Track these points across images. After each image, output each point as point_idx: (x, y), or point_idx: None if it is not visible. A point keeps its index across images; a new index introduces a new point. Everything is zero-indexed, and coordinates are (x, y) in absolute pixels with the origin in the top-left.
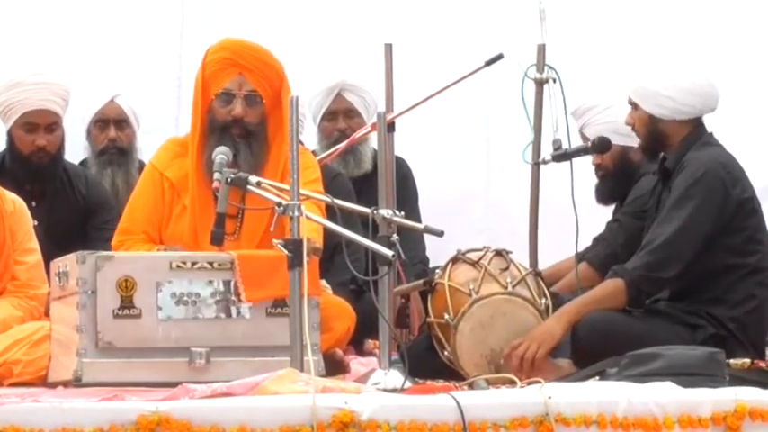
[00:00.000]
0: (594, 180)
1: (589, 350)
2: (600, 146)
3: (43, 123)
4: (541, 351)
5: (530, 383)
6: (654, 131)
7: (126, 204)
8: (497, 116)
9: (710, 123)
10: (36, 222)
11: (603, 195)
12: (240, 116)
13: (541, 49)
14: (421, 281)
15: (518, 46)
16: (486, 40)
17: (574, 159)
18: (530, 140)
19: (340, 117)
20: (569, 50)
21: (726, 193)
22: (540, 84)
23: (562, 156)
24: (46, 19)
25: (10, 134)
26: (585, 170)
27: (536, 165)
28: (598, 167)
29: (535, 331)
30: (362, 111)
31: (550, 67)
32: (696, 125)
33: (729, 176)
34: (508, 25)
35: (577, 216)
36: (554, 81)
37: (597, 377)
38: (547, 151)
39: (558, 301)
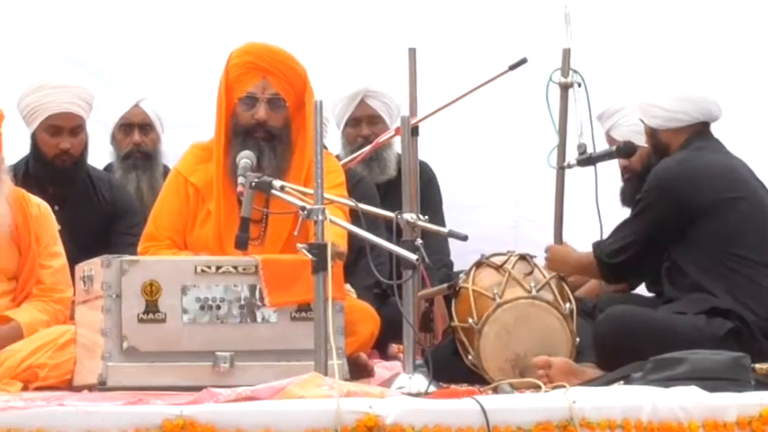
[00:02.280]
0: (619, 183)
1: (611, 345)
2: (625, 150)
3: (67, 126)
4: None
5: (554, 388)
6: (656, 143)
7: (150, 209)
8: (522, 120)
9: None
10: (60, 226)
11: (629, 198)
12: (263, 120)
13: (566, 54)
14: (445, 285)
15: (543, 50)
16: (511, 43)
17: (599, 165)
18: (554, 144)
19: (363, 123)
20: (594, 55)
21: (673, 197)
22: (565, 88)
23: (587, 160)
24: (70, 24)
25: (34, 137)
26: (610, 172)
27: (561, 169)
28: (625, 170)
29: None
30: (386, 117)
31: (575, 71)
32: (694, 132)
33: (682, 181)
34: (533, 29)
35: (601, 220)
36: (579, 85)
37: (622, 382)
38: (572, 155)
39: (582, 306)
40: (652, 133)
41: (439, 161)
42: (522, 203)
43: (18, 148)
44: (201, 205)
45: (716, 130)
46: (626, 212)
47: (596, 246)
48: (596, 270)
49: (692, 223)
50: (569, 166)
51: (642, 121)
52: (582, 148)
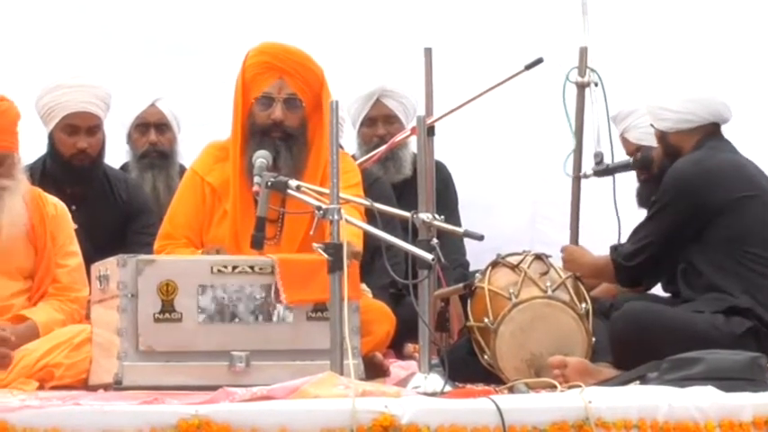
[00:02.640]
0: (635, 184)
1: (627, 342)
2: (642, 162)
3: (84, 126)
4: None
5: (570, 388)
6: (666, 146)
7: (166, 208)
8: (538, 119)
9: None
10: (76, 226)
11: (645, 199)
12: (280, 120)
13: (583, 52)
14: (461, 285)
15: (560, 49)
16: (528, 42)
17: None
18: (571, 150)
19: (379, 123)
20: (612, 54)
21: (691, 198)
22: (582, 87)
23: (604, 171)
24: (87, 23)
25: (51, 137)
26: (627, 176)
27: (577, 178)
28: (641, 172)
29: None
30: (402, 116)
31: (593, 70)
32: (705, 133)
33: (698, 181)
34: (550, 28)
35: (620, 225)
36: (596, 85)
37: (638, 381)
38: (588, 159)
39: (598, 306)
40: (662, 136)
41: (455, 160)
42: (539, 201)
43: (35, 147)
44: (218, 205)
45: (726, 131)
46: (642, 214)
47: (613, 249)
48: (611, 273)
49: (708, 223)
50: (585, 176)
51: (652, 125)
52: (599, 158)
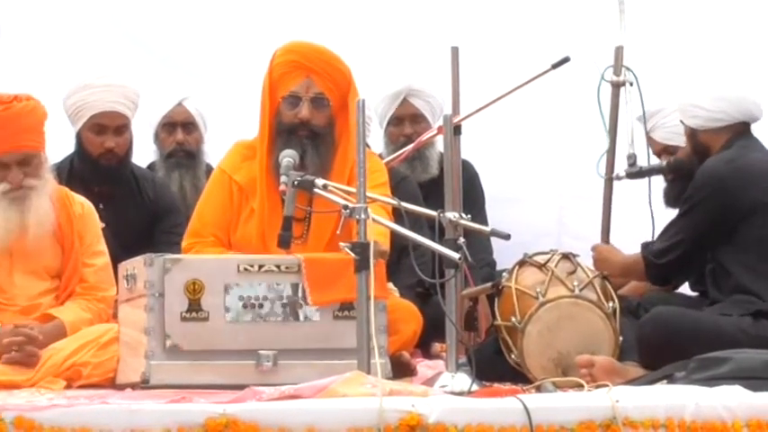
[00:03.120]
0: (662, 183)
1: (655, 346)
2: (675, 166)
3: (112, 125)
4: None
5: (597, 387)
6: (695, 144)
7: (193, 208)
8: (566, 113)
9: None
10: (104, 225)
11: (672, 198)
12: (307, 119)
13: (619, 51)
14: (488, 284)
15: (595, 47)
16: (561, 41)
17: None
18: (604, 150)
19: (406, 122)
20: (647, 53)
21: (723, 197)
22: (617, 86)
23: (637, 173)
24: (115, 23)
25: (79, 136)
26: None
27: (609, 180)
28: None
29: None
30: (429, 115)
31: (628, 69)
32: (735, 132)
33: (731, 180)
34: (585, 26)
35: (654, 224)
36: (631, 84)
37: (665, 381)
38: (621, 160)
39: (625, 305)
40: (692, 134)
41: (482, 155)
42: (566, 196)
43: (63, 146)
44: (245, 203)
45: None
46: (670, 213)
47: (644, 246)
48: (641, 271)
49: (738, 222)
50: (618, 178)
51: (682, 122)
52: (632, 159)
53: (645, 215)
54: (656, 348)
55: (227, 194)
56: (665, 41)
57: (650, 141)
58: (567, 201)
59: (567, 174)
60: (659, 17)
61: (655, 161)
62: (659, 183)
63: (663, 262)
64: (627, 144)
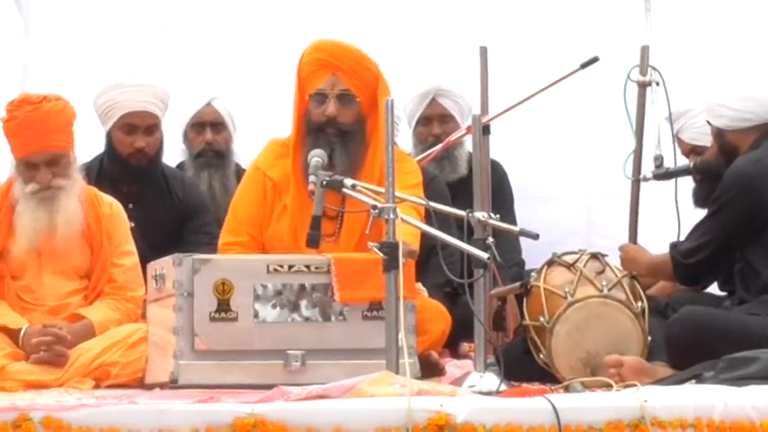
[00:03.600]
0: (691, 183)
1: (684, 346)
2: (702, 168)
3: (142, 125)
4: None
5: (626, 387)
6: (723, 144)
7: (222, 208)
8: (596, 118)
9: None
10: (133, 224)
11: (701, 199)
12: (333, 115)
13: (645, 51)
14: (517, 284)
15: (622, 47)
16: (587, 41)
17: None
18: (630, 151)
19: (435, 122)
20: (673, 52)
21: (751, 196)
22: (643, 86)
23: (664, 174)
24: (145, 23)
25: (109, 135)
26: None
27: (636, 181)
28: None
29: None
30: (457, 115)
31: (654, 69)
32: (763, 132)
33: (759, 180)
34: (611, 26)
35: (680, 224)
36: (657, 84)
37: (693, 381)
38: (648, 165)
39: (654, 305)
40: (719, 134)
41: (510, 153)
42: (595, 194)
43: (93, 146)
44: (278, 200)
45: None
46: (699, 213)
47: (673, 246)
48: (669, 271)
49: (767, 222)
50: (645, 179)
51: (709, 123)
52: (659, 161)
53: (673, 215)
54: (685, 348)
55: (261, 191)
56: (692, 41)
57: (678, 142)
58: (595, 200)
59: (595, 173)
60: (685, 17)
61: (682, 162)
62: (686, 183)
63: (691, 262)
64: (654, 144)
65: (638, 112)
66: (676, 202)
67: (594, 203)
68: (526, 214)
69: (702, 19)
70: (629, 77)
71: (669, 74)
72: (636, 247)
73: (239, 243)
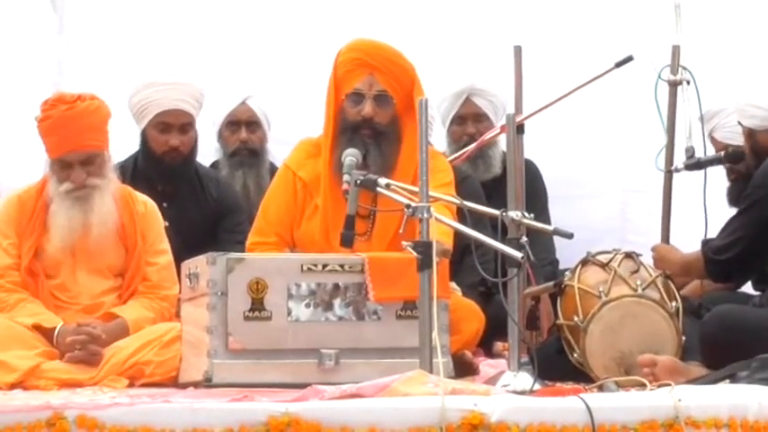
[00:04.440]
0: (726, 182)
1: (718, 345)
2: (733, 156)
3: (177, 123)
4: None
5: (660, 386)
6: (754, 144)
7: (256, 207)
8: (629, 117)
9: None
10: (167, 223)
11: (735, 198)
12: (370, 116)
13: (676, 50)
14: (551, 283)
15: (652, 47)
16: (619, 40)
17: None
18: (662, 145)
19: (469, 121)
20: (705, 52)
21: None
22: (674, 85)
23: (695, 165)
24: (179, 22)
25: (144, 134)
26: (718, 171)
27: (668, 173)
28: (731, 171)
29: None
30: (491, 115)
31: (685, 69)
32: None
33: None
34: (642, 26)
35: (707, 221)
36: (688, 83)
37: (728, 380)
38: (680, 157)
39: (687, 305)
40: (750, 134)
41: (544, 149)
42: (630, 190)
43: (127, 145)
44: (309, 200)
45: None
46: (729, 210)
47: (704, 243)
48: (701, 268)
49: None
50: (677, 170)
51: (740, 123)
52: (690, 152)
53: (707, 210)
54: (719, 347)
55: (292, 191)
56: (722, 41)
57: (712, 141)
58: (630, 196)
59: (629, 168)
60: (716, 18)
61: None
62: (716, 181)
63: (722, 258)
64: (685, 138)
65: (670, 111)
66: (704, 200)
67: (629, 200)
68: (560, 212)
69: (733, 20)
70: (660, 77)
71: (700, 74)
72: (668, 247)
73: (266, 243)
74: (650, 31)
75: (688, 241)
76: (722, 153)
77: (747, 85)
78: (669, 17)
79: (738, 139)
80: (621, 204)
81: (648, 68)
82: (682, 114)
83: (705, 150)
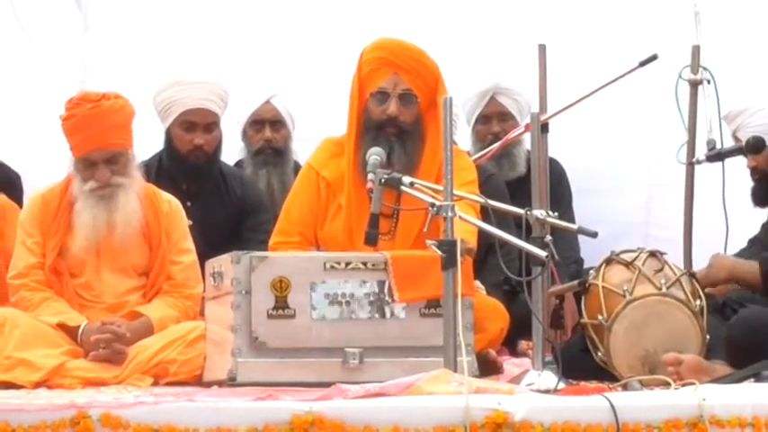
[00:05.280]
0: (750, 182)
1: (745, 347)
2: (754, 145)
3: (202, 122)
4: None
5: (684, 385)
6: None
7: (281, 205)
8: (651, 117)
9: None
10: (191, 222)
11: (759, 198)
12: (395, 115)
13: (696, 51)
14: (575, 282)
15: (672, 47)
16: (641, 40)
17: (730, 161)
18: (684, 141)
19: (494, 120)
20: (724, 52)
21: None
22: (695, 85)
23: (716, 156)
24: (205, 21)
25: (168, 133)
26: (742, 171)
27: (690, 165)
28: (754, 170)
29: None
30: (516, 114)
31: (705, 69)
32: None
33: None
34: (662, 26)
35: (727, 218)
36: (708, 82)
37: (752, 379)
38: (701, 148)
39: (711, 303)
40: None
41: (568, 144)
42: (653, 200)
43: (152, 143)
44: (333, 199)
45: None
46: (756, 212)
47: (765, 260)
48: (754, 282)
49: None
50: (698, 162)
51: None
52: (711, 144)
53: (730, 206)
54: (746, 350)
55: (315, 191)
56: (742, 42)
57: (735, 141)
58: (654, 190)
59: (653, 163)
60: (735, 18)
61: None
62: (739, 180)
63: None
64: (706, 132)
65: (691, 110)
66: (723, 199)
67: (653, 193)
68: (584, 205)
69: (753, 20)
70: (680, 76)
71: (720, 74)
72: (723, 255)
73: (289, 243)
74: (671, 31)
75: (710, 235)
76: (743, 143)
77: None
78: (689, 18)
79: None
80: (646, 198)
81: (669, 67)
82: (702, 113)
83: (722, 144)
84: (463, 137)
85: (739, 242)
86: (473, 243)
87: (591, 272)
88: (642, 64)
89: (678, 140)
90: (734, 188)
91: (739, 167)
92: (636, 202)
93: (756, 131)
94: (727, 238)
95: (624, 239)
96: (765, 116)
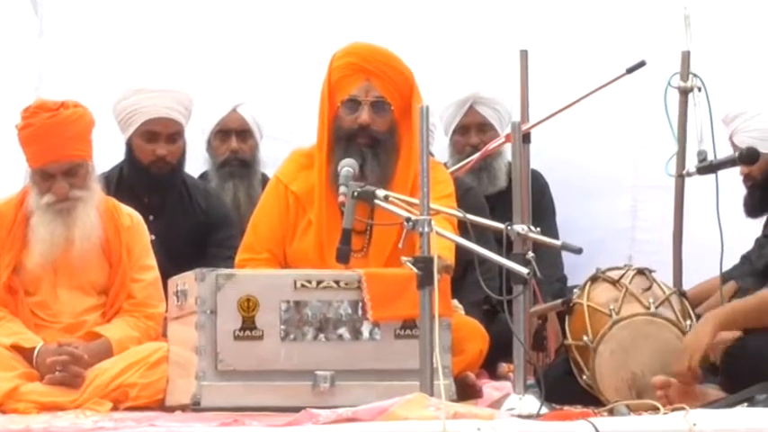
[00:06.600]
0: (743, 191)
1: (739, 373)
2: (747, 157)
3: (164, 132)
4: (695, 358)
5: (674, 410)
6: None
7: (247, 219)
8: (639, 126)
9: None
10: (153, 237)
11: (752, 208)
12: (367, 123)
13: (686, 57)
14: (558, 301)
15: (661, 52)
16: (628, 45)
17: (720, 171)
18: (673, 152)
19: (473, 131)
20: (716, 58)
21: None
22: (685, 92)
23: (707, 168)
24: (168, 25)
25: (129, 143)
26: (734, 181)
27: (680, 177)
28: (746, 178)
29: (687, 339)
30: (496, 124)
31: (695, 75)
32: None
33: None
34: (651, 30)
35: (722, 232)
36: (699, 90)
37: (745, 403)
38: (691, 163)
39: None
40: None
41: (551, 149)
42: (640, 213)
43: (111, 154)
44: (302, 215)
45: None
46: (749, 223)
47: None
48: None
49: None
50: (689, 174)
51: None
52: (702, 156)
53: (722, 215)
54: (740, 376)
55: (284, 205)
56: (733, 48)
57: (732, 146)
58: (640, 193)
59: (639, 166)
60: (726, 24)
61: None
62: (731, 190)
63: None
64: (697, 142)
65: (681, 118)
66: (717, 209)
67: (639, 197)
68: (569, 210)
69: (743, 26)
70: (669, 84)
71: (711, 81)
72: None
73: (257, 260)
74: (659, 36)
75: (701, 246)
76: (735, 154)
77: (759, 92)
78: (678, 23)
79: (759, 144)
80: (632, 201)
81: (658, 74)
82: (693, 121)
83: (715, 154)
84: (440, 148)
85: (733, 257)
86: (451, 260)
87: (575, 290)
88: (629, 71)
89: (666, 143)
90: (727, 198)
91: (733, 176)
92: (621, 206)
93: (752, 136)
94: (722, 256)
95: (610, 244)
96: (762, 121)
